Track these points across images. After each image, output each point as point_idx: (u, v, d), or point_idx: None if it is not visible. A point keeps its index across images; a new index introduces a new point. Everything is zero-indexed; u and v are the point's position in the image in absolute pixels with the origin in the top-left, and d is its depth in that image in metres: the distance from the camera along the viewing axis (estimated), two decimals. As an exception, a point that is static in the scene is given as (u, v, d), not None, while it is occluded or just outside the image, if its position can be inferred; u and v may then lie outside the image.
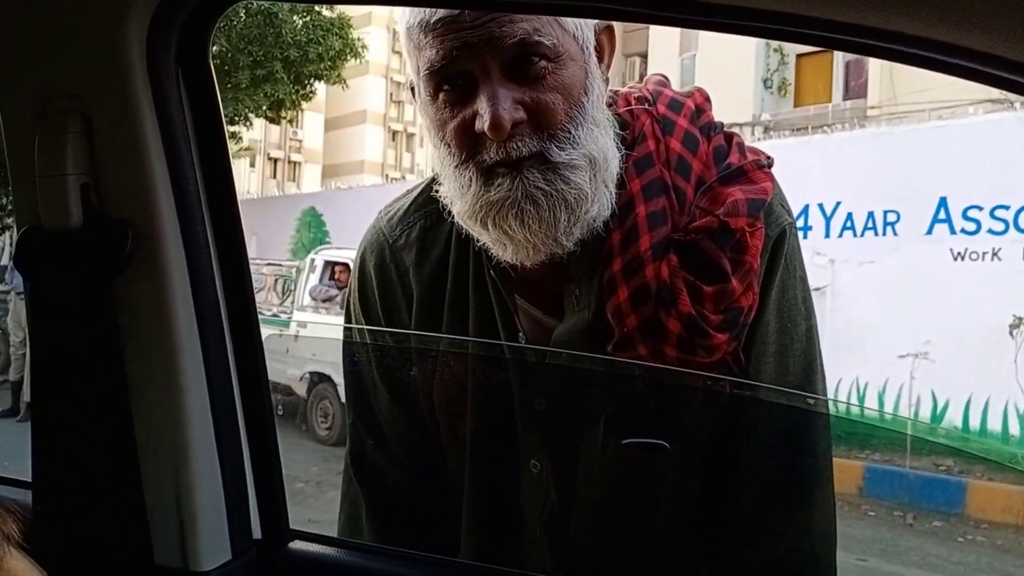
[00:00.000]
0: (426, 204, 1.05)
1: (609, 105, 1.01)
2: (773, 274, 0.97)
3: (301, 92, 14.67)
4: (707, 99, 1.03)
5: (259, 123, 18.85)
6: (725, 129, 1.01)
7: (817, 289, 7.52)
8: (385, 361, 1.08)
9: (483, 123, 0.85)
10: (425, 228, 1.06)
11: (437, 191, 0.98)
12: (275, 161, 32.79)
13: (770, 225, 0.97)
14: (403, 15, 0.90)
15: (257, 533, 0.86)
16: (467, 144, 0.89)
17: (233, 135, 16.19)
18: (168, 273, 0.77)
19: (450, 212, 0.96)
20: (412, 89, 0.96)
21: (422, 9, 0.85)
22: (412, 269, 1.05)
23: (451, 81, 0.88)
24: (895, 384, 7.13)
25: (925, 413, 7.02)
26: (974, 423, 6.83)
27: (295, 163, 33.18)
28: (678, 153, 0.96)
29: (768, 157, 1.00)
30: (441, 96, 0.90)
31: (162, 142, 0.76)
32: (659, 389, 0.98)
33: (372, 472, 1.10)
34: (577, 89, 0.90)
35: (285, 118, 18.10)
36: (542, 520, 1.02)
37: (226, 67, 13.80)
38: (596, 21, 0.93)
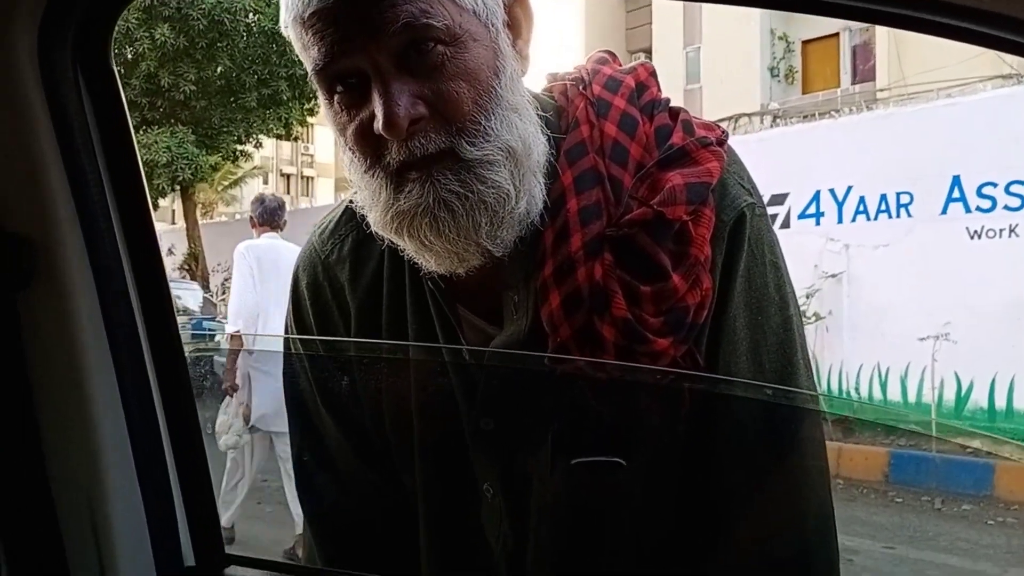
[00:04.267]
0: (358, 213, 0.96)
1: (548, 92, 0.93)
2: (735, 263, 0.87)
3: (307, 107, 14.74)
4: (652, 74, 0.93)
5: (270, 140, 19.00)
6: (672, 105, 0.91)
7: (833, 275, 7.42)
8: (327, 384, 1.00)
9: (378, 124, 0.77)
10: (358, 240, 0.97)
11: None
12: (287, 177, 33.03)
13: (724, 209, 0.87)
14: (284, 10, 0.81)
15: (190, 560, 0.82)
16: (369, 148, 0.81)
17: (243, 153, 16.34)
18: (71, 288, 0.73)
19: None
20: None
21: (298, 2, 0.77)
22: (347, 285, 0.97)
23: (342, 81, 0.80)
24: (917, 367, 7.02)
25: (949, 395, 6.91)
26: (1000, 403, 6.71)
27: (307, 178, 33.39)
28: (613, 138, 0.87)
29: (722, 132, 0.91)
30: (336, 99, 0.81)
31: (59, 149, 0.72)
32: (616, 394, 0.89)
33: (325, 505, 1.03)
34: (485, 73, 0.80)
35: (295, 135, 18.23)
36: (500, 548, 0.94)
37: (232, 87, 13.94)
38: None
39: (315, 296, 1.00)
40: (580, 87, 0.91)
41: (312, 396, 1.00)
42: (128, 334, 0.78)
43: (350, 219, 0.98)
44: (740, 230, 0.87)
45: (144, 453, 0.78)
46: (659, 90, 0.93)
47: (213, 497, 0.84)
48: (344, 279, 0.97)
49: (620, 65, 0.96)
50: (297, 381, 1.02)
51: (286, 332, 1.03)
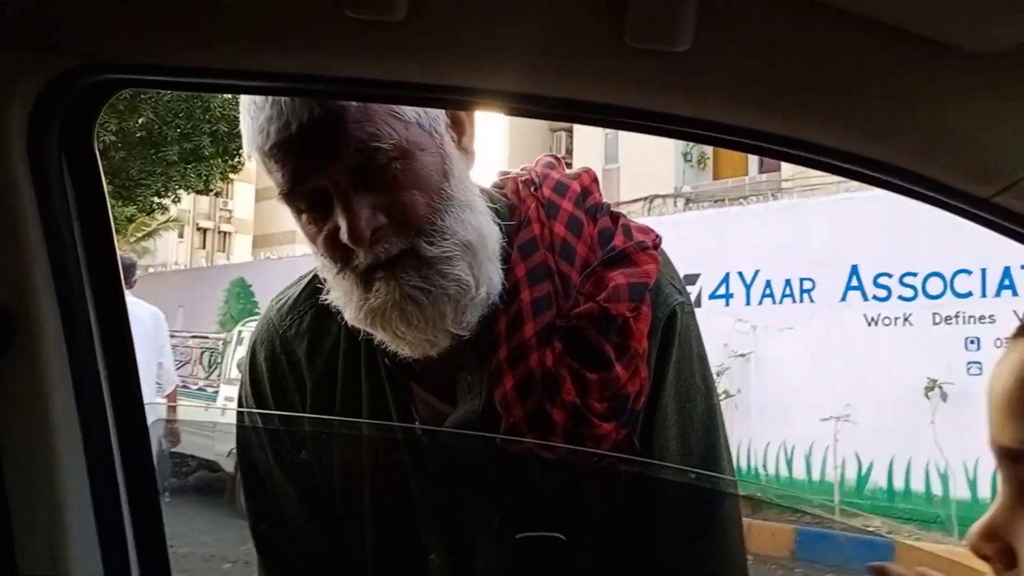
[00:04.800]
0: (317, 291, 1.01)
1: (499, 188, 1.03)
2: (667, 355, 0.97)
3: (229, 164, 14.56)
4: (594, 180, 1.04)
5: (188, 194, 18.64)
6: (613, 209, 1.02)
7: (742, 355, 7.69)
8: (285, 456, 1.04)
9: (343, 236, 0.86)
10: (316, 316, 1.02)
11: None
12: (204, 232, 32.33)
13: (659, 306, 0.97)
14: (246, 143, 0.90)
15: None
16: (339, 254, 0.89)
17: (161, 207, 15.95)
18: (45, 354, 0.76)
19: None
20: None
21: (259, 133, 0.86)
22: (304, 360, 1.02)
23: (307, 199, 0.88)
24: (820, 447, 7.26)
25: (851, 475, 7.14)
26: (898, 484, 6.97)
27: (225, 233, 32.76)
28: (562, 237, 0.96)
29: (656, 237, 1.02)
30: (303, 217, 0.90)
31: (42, 228, 0.76)
32: (560, 474, 0.96)
33: (281, 569, 1.06)
34: (435, 178, 0.89)
35: (214, 191, 17.96)
36: None
37: (153, 139, 13.67)
38: None
39: (272, 369, 1.04)
40: (532, 188, 1.01)
41: (267, 467, 1.04)
42: (96, 402, 0.81)
43: (310, 295, 1.04)
44: (672, 326, 0.98)
45: (105, 523, 0.80)
46: (601, 195, 1.03)
47: (168, 564, 0.85)
48: (302, 354, 1.02)
49: (565, 170, 1.06)
50: (253, 453, 1.05)
51: (241, 405, 1.06)
